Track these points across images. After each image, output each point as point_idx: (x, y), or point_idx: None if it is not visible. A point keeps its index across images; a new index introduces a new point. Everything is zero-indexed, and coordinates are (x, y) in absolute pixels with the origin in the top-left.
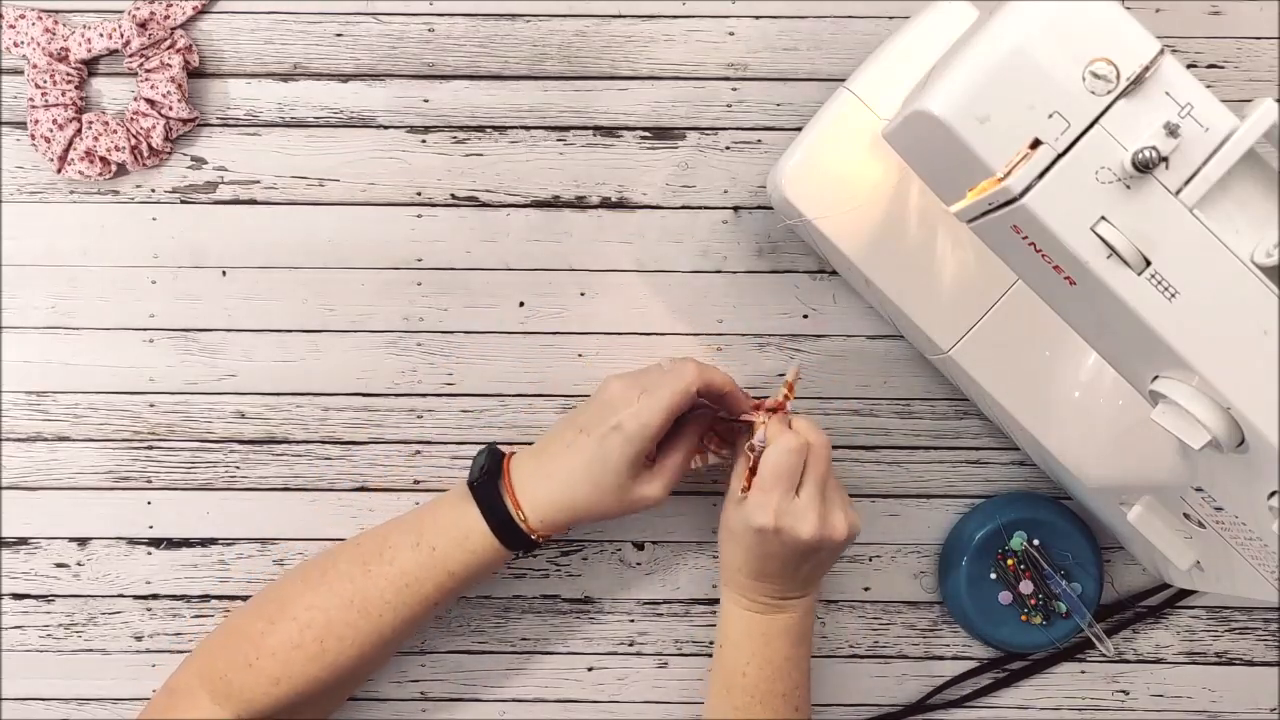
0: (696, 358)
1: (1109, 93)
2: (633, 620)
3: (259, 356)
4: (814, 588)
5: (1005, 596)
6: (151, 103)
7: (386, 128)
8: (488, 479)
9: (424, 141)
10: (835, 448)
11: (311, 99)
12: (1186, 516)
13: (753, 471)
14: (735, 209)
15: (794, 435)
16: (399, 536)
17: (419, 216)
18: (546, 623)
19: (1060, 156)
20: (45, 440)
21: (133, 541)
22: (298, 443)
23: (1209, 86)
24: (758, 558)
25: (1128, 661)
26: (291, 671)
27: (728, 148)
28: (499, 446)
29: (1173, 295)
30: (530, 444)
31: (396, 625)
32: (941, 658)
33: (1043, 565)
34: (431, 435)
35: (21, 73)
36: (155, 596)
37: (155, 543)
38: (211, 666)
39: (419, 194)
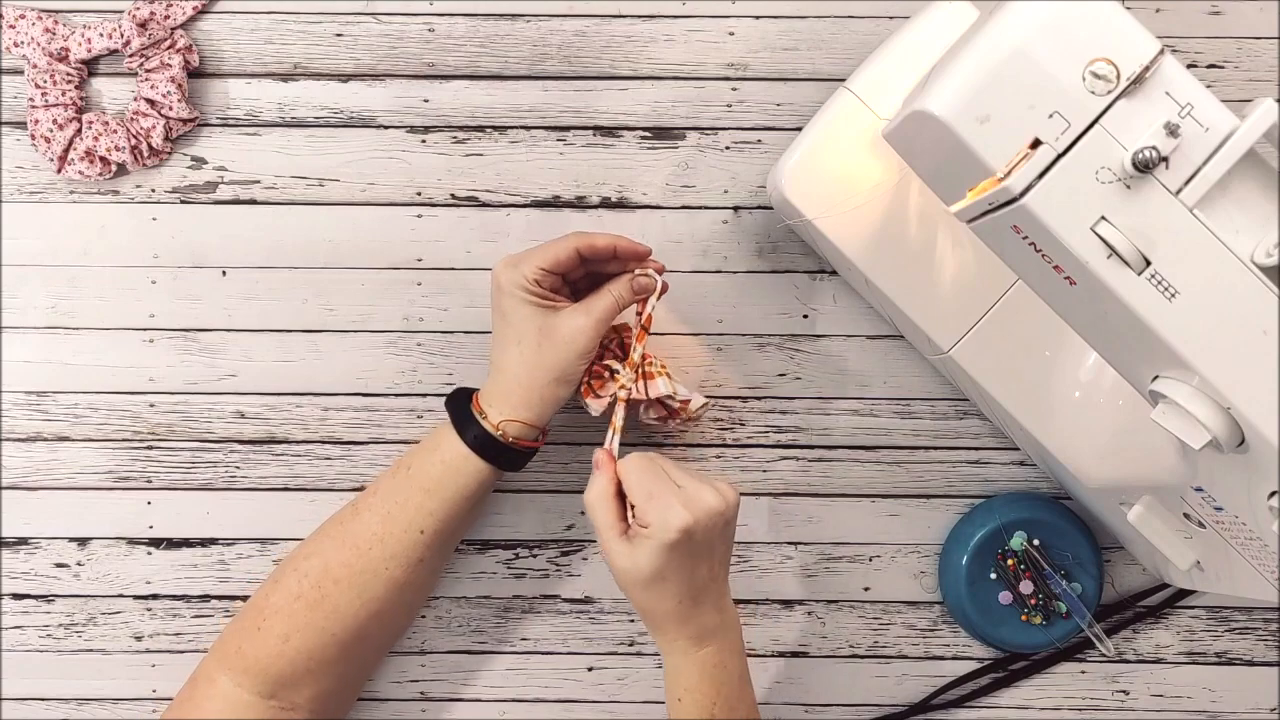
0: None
1: (1109, 93)
2: (633, 620)
3: (259, 356)
4: (726, 582)
5: (1005, 596)
6: (151, 103)
7: (386, 128)
8: (457, 392)
9: (424, 141)
10: (836, 448)
11: (311, 99)
12: (1186, 516)
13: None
14: (735, 209)
15: (628, 458)
16: (385, 473)
17: (419, 216)
18: (546, 623)
19: (1060, 156)
20: (45, 440)
21: (133, 541)
22: (298, 443)
23: (1209, 86)
24: (687, 573)
25: (1128, 661)
26: (297, 624)
27: (728, 148)
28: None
29: (1173, 295)
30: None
31: (388, 562)
32: (941, 658)
33: (1043, 565)
34: None
35: (21, 73)
36: (155, 596)
37: (155, 543)
38: (226, 644)
39: (419, 194)
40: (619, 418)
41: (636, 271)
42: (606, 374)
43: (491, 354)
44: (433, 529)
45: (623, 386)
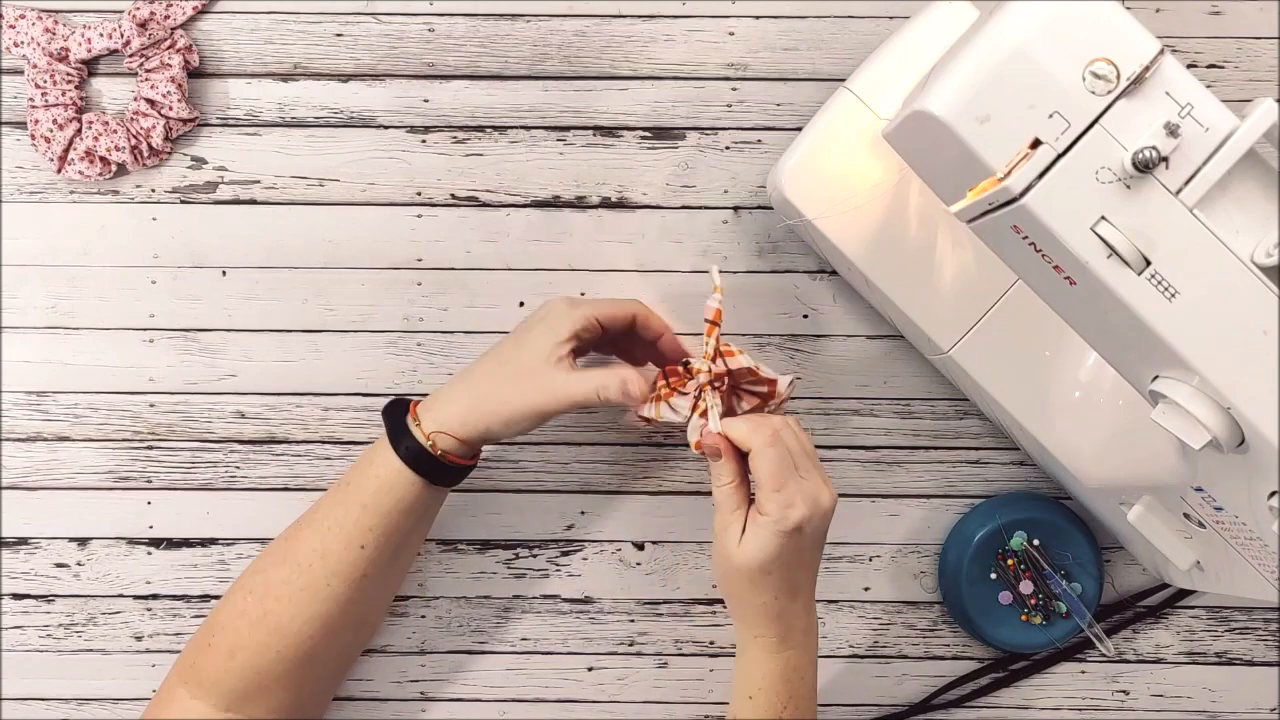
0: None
1: (1109, 93)
2: (633, 620)
3: (259, 356)
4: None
5: (1005, 596)
6: (151, 103)
7: (386, 128)
8: (394, 402)
9: (424, 141)
10: (836, 448)
11: (311, 99)
12: (1186, 516)
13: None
14: (735, 209)
15: (762, 427)
16: (330, 487)
17: (419, 216)
18: (546, 623)
19: (1060, 156)
20: (45, 440)
21: (133, 541)
22: (298, 443)
23: (1209, 86)
24: (790, 569)
25: (1128, 661)
26: (242, 640)
27: (728, 148)
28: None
29: (1173, 295)
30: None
31: (330, 579)
32: (941, 658)
33: (1043, 565)
34: None
35: (21, 73)
36: (155, 596)
37: (155, 543)
38: (184, 658)
39: (419, 194)
40: (708, 401)
41: (626, 379)
42: (681, 369)
43: (471, 367)
44: (373, 544)
45: (700, 372)
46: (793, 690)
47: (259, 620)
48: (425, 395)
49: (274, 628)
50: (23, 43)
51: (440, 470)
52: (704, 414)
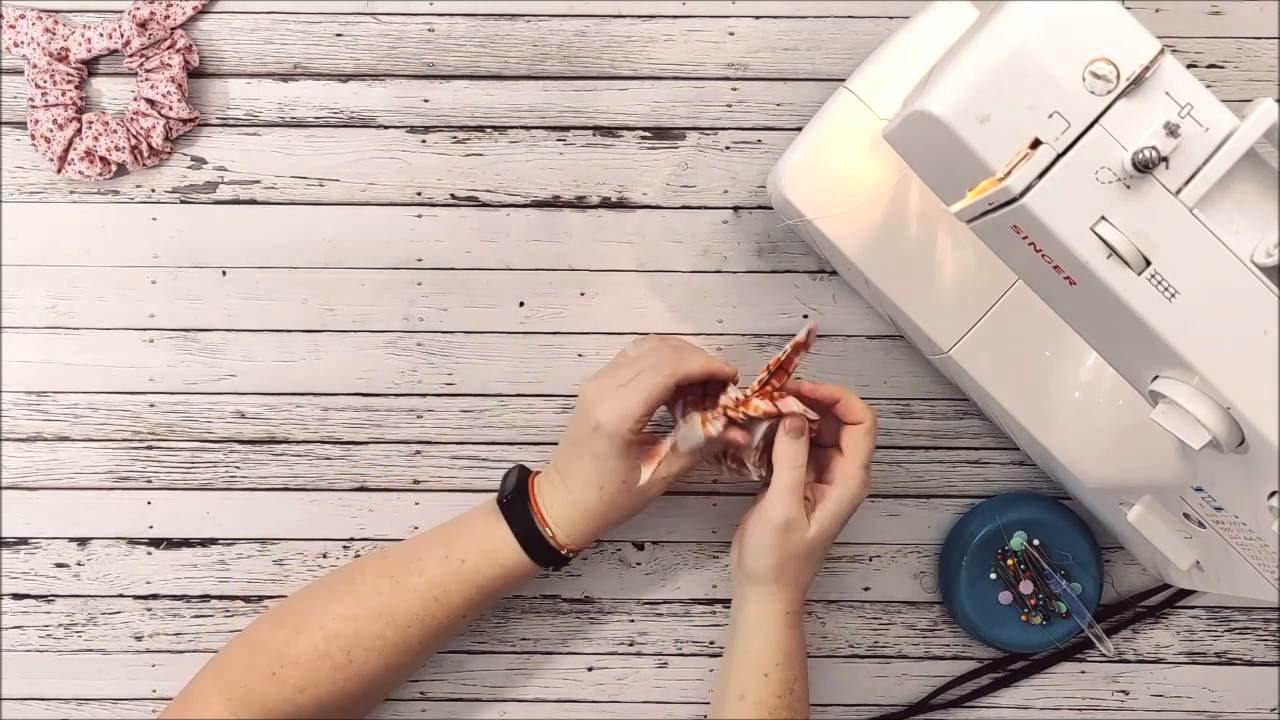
0: (666, 340)
1: (1109, 93)
2: (633, 620)
3: (259, 356)
4: None
5: (1005, 596)
6: (151, 103)
7: (386, 128)
8: (516, 495)
9: (424, 141)
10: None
11: (311, 99)
12: (1186, 516)
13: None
14: (735, 209)
15: (872, 408)
16: (427, 550)
17: (419, 216)
18: (546, 623)
19: (1060, 156)
20: (45, 440)
21: (133, 541)
22: (298, 443)
23: (1209, 86)
24: (826, 549)
25: (1128, 661)
26: (317, 680)
27: (728, 148)
28: (526, 466)
29: (1173, 295)
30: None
31: (424, 637)
32: (941, 658)
33: (1043, 565)
34: (431, 435)
35: (21, 73)
36: (155, 596)
37: (155, 543)
38: (229, 676)
39: (419, 194)
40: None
41: (702, 419)
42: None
43: (561, 462)
44: (474, 614)
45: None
46: (801, 664)
47: (342, 666)
48: (539, 470)
49: (355, 673)
50: (23, 43)
51: (555, 557)
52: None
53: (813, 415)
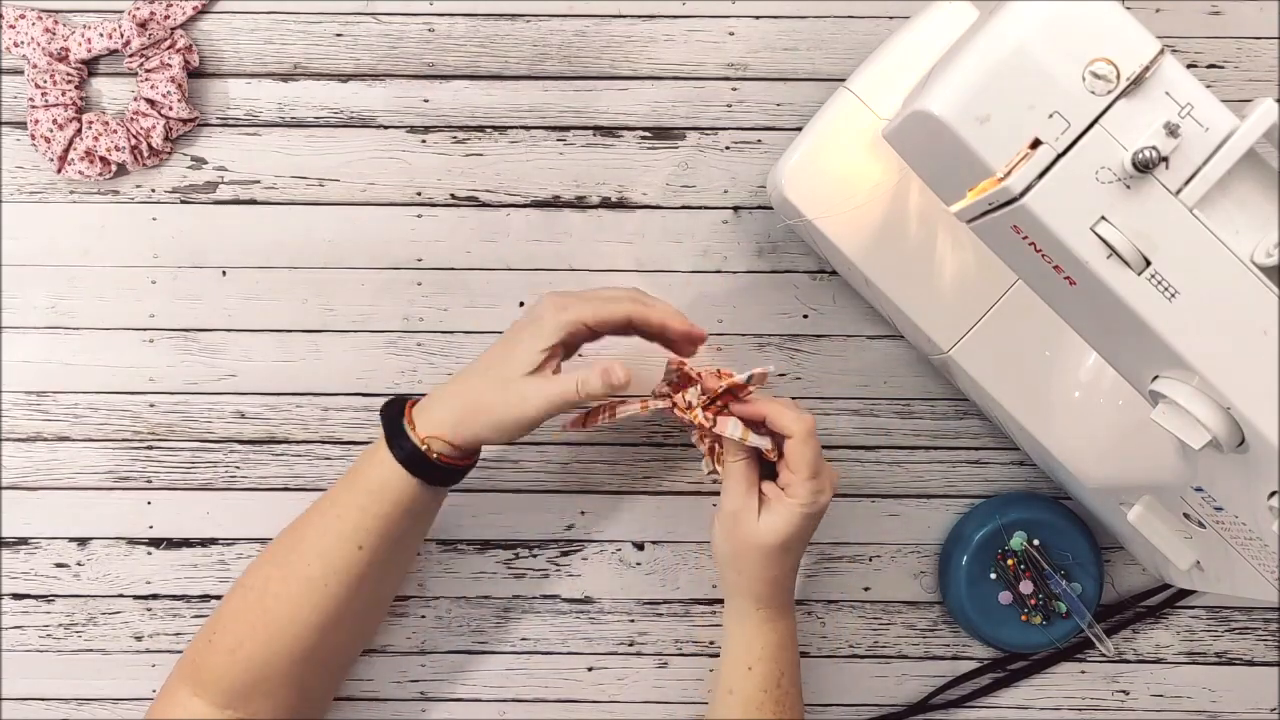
0: (641, 291)
1: (1109, 93)
2: (633, 620)
3: (259, 356)
4: None
5: (1005, 596)
6: (151, 103)
7: (386, 128)
8: (392, 403)
9: (424, 141)
10: (835, 447)
11: (311, 99)
12: (1186, 516)
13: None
14: (735, 209)
15: (804, 417)
16: (327, 490)
17: (419, 216)
18: (546, 623)
19: (1060, 156)
20: (45, 440)
21: (133, 541)
22: (298, 443)
23: (1209, 86)
24: (800, 548)
25: (1128, 661)
26: (241, 637)
27: (728, 148)
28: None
29: (1173, 295)
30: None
31: (329, 577)
32: (941, 658)
33: (1043, 565)
34: None
35: (21, 73)
36: (155, 596)
37: (155, 543)
38: (186, 657)
39: (419, 194)
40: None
41: (607, 368)
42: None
43: (471, 363)
44: (371, 544)
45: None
46: (788, 660)
47: (258, 617)
48: (423, 395)
49: (272, 625)
50: (23, 43)
51: (436, 471)
52: (716, 399)
53: (754, 443)
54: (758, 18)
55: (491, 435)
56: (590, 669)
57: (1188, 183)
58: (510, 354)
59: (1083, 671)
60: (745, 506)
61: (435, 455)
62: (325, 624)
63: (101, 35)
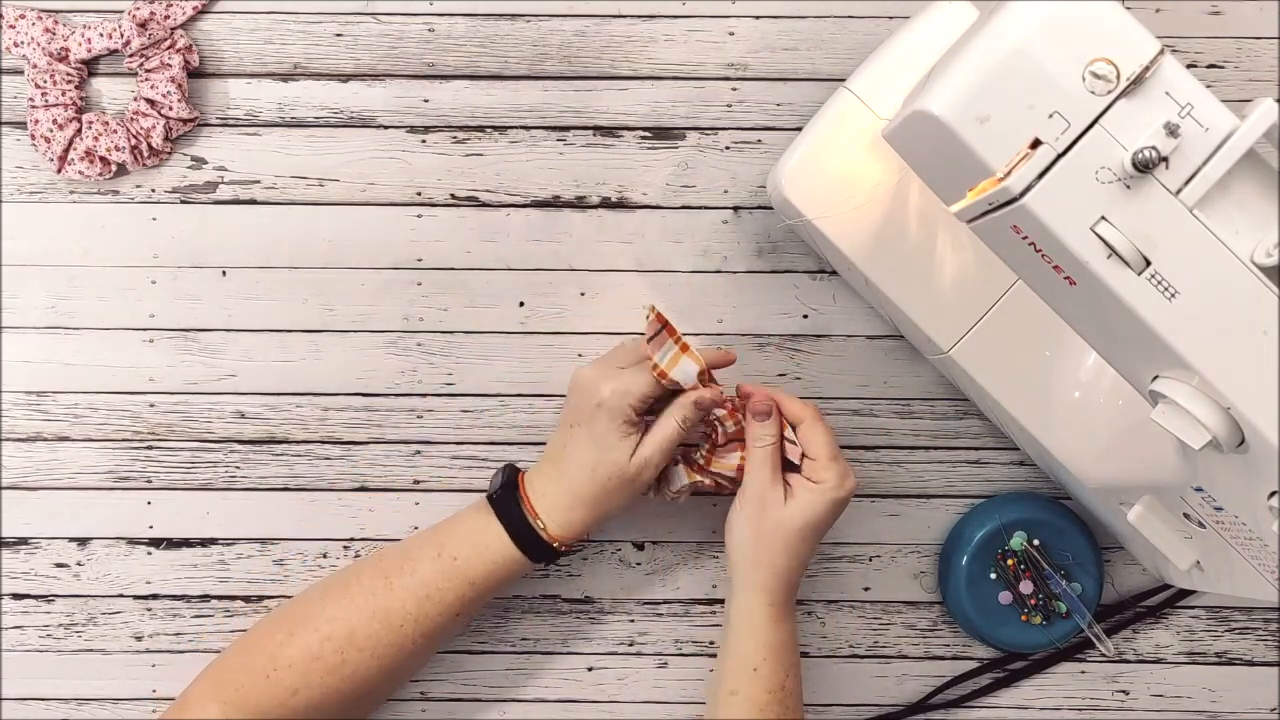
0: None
1: (1109, 93)
2: (633, 620)
3: (259, 356)
4: None
5: (1005, 596)
6: (151, 103)
7: (386, 128)
8: (505, 489)
9: (424, 141)
10: None
11: (311, 99)
12: (1186, 516)
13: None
14: (735, 209)
15: (808, 402)
16: (420, 549)
17: (419, 216)
18: (546, 623)
19: (1060, 156)
20: (45, 440)
21: (133, 541)
22: (298, 443)
23: (1209, 86)
24: (820, 537)
25: (1128, 661)
26: (310, 682)
27: (728, 148)
28: (515, 465)
29: (1173, 295)
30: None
31: (418, 637)
32: (941, 658)
33: (1043, 565)
34: (431, 435)
35: (21, 73)
36: (155, 596)
37: (155, 543)
38: (226, 678)
39: (419, 194)
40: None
41: (696, 399)
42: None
43: (554, 451)
44: (468, 612)
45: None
46: (792, 661)
47: (335, 668)
48: (528, 468)
49: (349, 675)
50: (23, 43)
51: (548, 551)
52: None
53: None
54: (758, 18)
55: (621, 514)
56: (590, 669)
57: (1188, 183)
58: (603, 442)
59: (1083, 671)
60: (772, 490)
61: (559, 545)
62: (400, 672)
63: (101, 35)
